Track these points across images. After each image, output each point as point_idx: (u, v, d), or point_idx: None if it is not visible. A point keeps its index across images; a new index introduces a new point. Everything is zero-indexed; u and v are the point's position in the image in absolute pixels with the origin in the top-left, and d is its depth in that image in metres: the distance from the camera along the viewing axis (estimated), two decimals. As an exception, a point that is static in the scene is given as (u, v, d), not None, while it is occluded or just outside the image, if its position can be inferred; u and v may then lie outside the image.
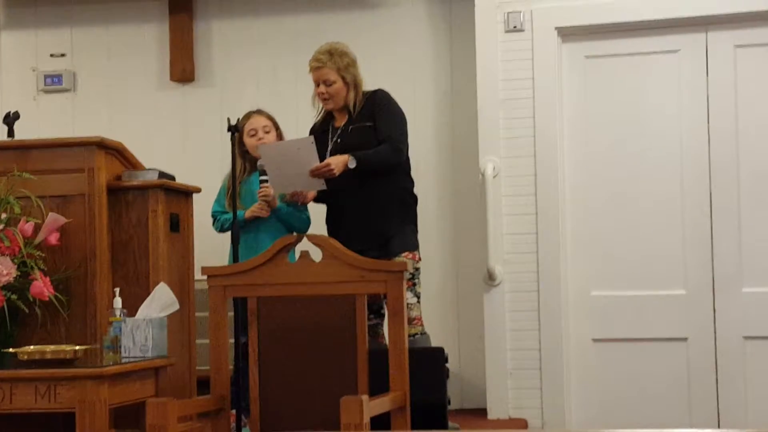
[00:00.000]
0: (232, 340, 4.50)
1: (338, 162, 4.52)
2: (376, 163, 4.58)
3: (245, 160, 4.96)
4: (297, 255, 3.60)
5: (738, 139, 5.11)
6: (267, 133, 4.99)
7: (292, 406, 3.50)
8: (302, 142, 4.54)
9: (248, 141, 4.97)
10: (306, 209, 4.96)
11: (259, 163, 4.76)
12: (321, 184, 4.57)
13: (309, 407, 3.48)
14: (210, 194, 5.02)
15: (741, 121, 5.11)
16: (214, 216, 5.02)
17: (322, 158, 4.55)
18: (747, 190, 5.10)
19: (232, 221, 4.60)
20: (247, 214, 4.82)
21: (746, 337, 5.06)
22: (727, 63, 5.13)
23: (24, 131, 4.66)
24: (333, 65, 4.66)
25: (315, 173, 4.50)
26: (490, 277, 5.19)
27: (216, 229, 5.02)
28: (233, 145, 4.66)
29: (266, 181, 4.73)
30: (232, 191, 4.67)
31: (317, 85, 4.72)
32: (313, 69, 4.70)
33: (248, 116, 5.03)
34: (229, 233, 4.97)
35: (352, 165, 4.53)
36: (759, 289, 5.06)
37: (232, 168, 4.71)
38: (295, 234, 4.35)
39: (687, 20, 5.13)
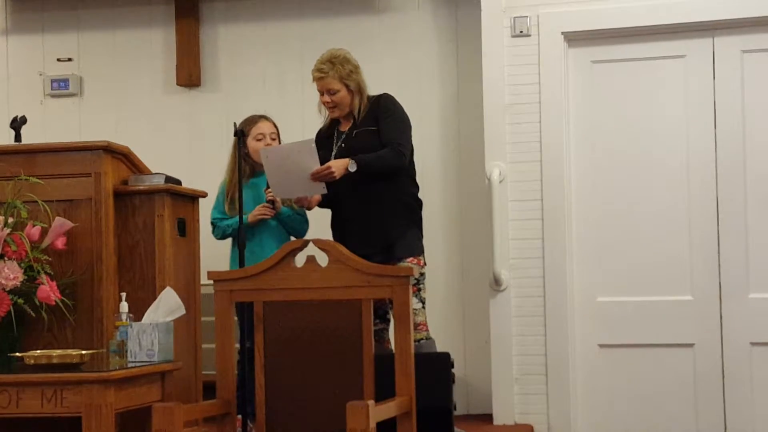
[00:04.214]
0: (238, 345, 4.51)
1: (339, 165, 4.53)
2: (377, 167, 4.58)
3: (246, 164, 4.96)
4: (302, 260, 3.60)
5: (745, 144, 5.11)
6: (273, 139, 5.01)
7: (297, 410, 3.50)
8: (303, 145, 4.55)
9: (254, 145, 4.98)
10: (304, 211, 4.98)
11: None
12: (322, 188, 4.58)
13: (315, 412, 3.47)
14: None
15: (748, 127, 5.11)
16: (214, 223, 5.03)
17: (326, 162, 4.55)
18: (754, 195, 5.09)
19: (239, 226, 4.60)
20: (251, 217, 4.82)
21: (753, 343, 5.05)
22: (734, 68, 5.13)
23: (31, 136, 4.67)
24: (335, 74, 4.67)
25: (316, 176, 4.50)
26: (496, 283, 5.19)
27: (216, 236, 5.03)
28: (238, 149, 4.67)
29: None
30: (238, 195, 4.68)
31: (322, 94, 4.73)
32: (316, 79, 4.71)
33: (254, 121, 5.04)
34: (230, 239, 5.00)
35: (353, 168, 4.54)
36: (766, 295, 5.05)
37: (238, 171, 4.71)
38: (300, 239, 4.36)
39: (694, 25, 5.13)
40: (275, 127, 5.08)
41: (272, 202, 4.89)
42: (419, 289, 4.62)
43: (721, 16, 5.08)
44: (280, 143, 5.02)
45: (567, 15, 5.23)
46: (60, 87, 6.13)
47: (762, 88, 5.09)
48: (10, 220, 4.03)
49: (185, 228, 4.49)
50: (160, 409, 3.19)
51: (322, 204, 4.81)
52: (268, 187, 4.85)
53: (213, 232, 5.04)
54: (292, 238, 4.90)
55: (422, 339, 4.58)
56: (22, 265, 3.96)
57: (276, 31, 5.95)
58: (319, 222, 4.95)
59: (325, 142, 4.78)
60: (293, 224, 4.97)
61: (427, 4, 5.80)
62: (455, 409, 3.83)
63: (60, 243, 4.07)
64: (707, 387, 5.08)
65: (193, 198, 4.64)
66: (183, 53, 6.00)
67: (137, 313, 3.91)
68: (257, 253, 4.74)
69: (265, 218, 4.89)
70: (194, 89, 6.04)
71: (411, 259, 4.61)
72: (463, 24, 5.72)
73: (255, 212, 4.86)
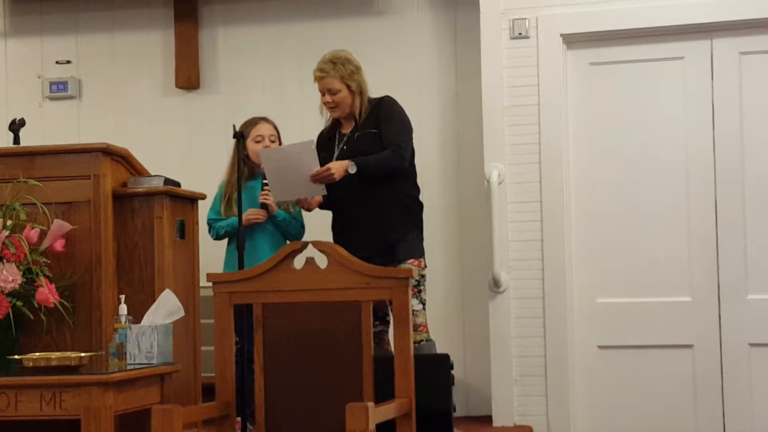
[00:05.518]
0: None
1: (338, 167, 4.53)
2: (377, 169, 4.59)
3: (245, 165, 4.97)
4: (302, 262, 3.60)
5: (743, 145, 5.11)
6: (272, 141, 5.02)
7: (297, 412, 3.50)
8: (303, 146, 4.56)
9: (253, 147, 4.98)
10: (301, 217, 4.98)
11: (262, 166, 4.76)
12: (321, 190, 4.58)
13: (314, 414, 3.47)
14: (215, 201, 5.05)
15: (746, 128, 5.11)
16: (210, 224, 5.03)
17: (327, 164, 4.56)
18: (752, 196, 5.10)
19: (238, 228, 4.60)
20: (243, 220, 4.79)
21: (752, 344, 5.06)
22: (732, 70, 5.13)
23: (30, 138, 4.67)
24: (337, 74, 4.67)
25: (315, 178, 4.51)
26: (496, 284, 5.19)
27: (212, 236, 5.03)
28: (237, 151, 4.67)
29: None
30: (237, 197, 4.68)
31: (323, 94, 4.73)
32: (318, 79, 4.72)
33: (254, 122, 5.05)
34: (225, 240, 5.00)
35: (353, 170, 4.54)
36: (764, 296, 5.06)
37: (237, 173, 4.71)
38: (300, 240, 4.36)
39: (692, 27, 5.14)
40: (275, 128, 5.08)
41: (265, 205, 4.88)
42: (420, 291, 4.62)
43: (719, 18, 5.08)
44: (280, 145, 5.02)
45: (566, 17, 5.23)
46: (59, 89, 6.13)
47: (760, 90, 5.10)
48: (9, 222, 4.03)
49: (184, 230, 4.49)
50: (159, 411, 3.19)
51: (322, 206, 4.81)
52: (262, 189, 4.84)
53: (209, 232, 5.04)
54: (288, 242, 4.90)
55: (422, 340, 4.58)
56: (21, 267, 3.96)
57: (275, 34, 5.95)
58: (320, 224, 4.95)
59: (326, 143, 4.79)
60: (288, 228, 4.97)
61: (426, 5, 5.81)
62: (455, 410, 3.83)
63: (59, 245, 4.07)
64: (706, 388, 5.09)
65: (192, 200, 4.64)
66: (182, 56, 6.00)
67: (136, 315, 3.90)
68: (251, 255, 4.74)
69: (258, 222, 4.88)
70: (193, 92, 6.04)
71: (412, 261, 4.62)
72: (462, 26, 5.73)
73: (247, 215, 4.84)
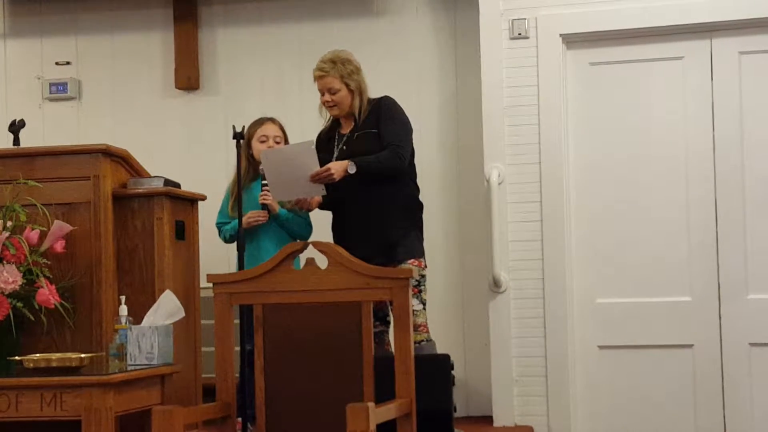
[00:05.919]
0: (238, 348, 4.51)
1: (338, 167, 4.54)
2: (376, 169, 4.59)
3: (250, 165, 4.96)
4: (302, 262, 3.60)
5: (743, 145, 5.11)
6: (277, 142, 5.00)
7: (297, 413, 3.50)
8: (303, 147, 4.56)
9: (257, 146, 4.97)
10: (307, 215, 4.97)
11: (260, 167, 4.76)
12: (321, 190, 4.58)
13: (315, 414, 3.47)
14: (215, 202, 5.03)
15: (746, 128, 5.11)
16: (219, 227, 5.02)
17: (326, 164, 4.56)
18: (752, 196, 5.10)
19: (238, 229, 4.60)
20: (244, 223, 4.75)
21: (752, 344, 5.06)
22: (732, 69, 5.13)
23: (29, 139, 4.67)
24: (336, 73, 4.68)
25: (315, 178, 4.51)
26: (496, 284, 5.19)
27: (222, 239, 5.02)
28: (239, 152, 4.66)
29: (267, 185, 4.74)
30: (237, 198, 4.67)
31: (322, 93, 4.73)
32: (317, 78, 4.72)
33: (261, 122, 5.04)
34: (235, 243, 4.99)
35: (352, 170, 4.54)
36: (764, 295, 5.06)
37: (238, 175, 4.71)
38: (300, 241, 4.36)
39: (691, 27, 5.14)
40: (282, 129, 5.06)
41: (265, 206, 4.87)
42: (420, 291, 4.62)
43: (718, 18, 5.08)
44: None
45: (565, 17, 5.23)
46: (58, 90, 6.13)
47: (760, 90, 5.10)
48: (9, 223, 4.03)
49: (184, 231, 4.49)
50: (159, 412, 3.19)
51: (322, 206, 4.81)
52: (261, 190, 4.83)
53: (219, 235, 5.03)
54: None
55: (423, 341, 4.58)
56: (21, 268, 3.96)
57: (274, 35, 5.95)
58: (320, 224, 4.95)
59: (326, 144, 4.79)
60: (292, 227, 4.95)
61: (426, 6, 5.81)
62: (455, 410, 3.84)
63: (59, 246, 4.08)
64: (706, 388, 5.09)
65: (192, 201, 4.65)
66: (182, 56, 6.00)
67: (136, 316, 3.91)
68: (255, 256, 4.74)
69: (259, 223, 4.87)
70: (193, 92, 6.04)
71: (412, 261, 4.62)
72: (461, 26, 5.73)
73: (247, 218, 4.83)
